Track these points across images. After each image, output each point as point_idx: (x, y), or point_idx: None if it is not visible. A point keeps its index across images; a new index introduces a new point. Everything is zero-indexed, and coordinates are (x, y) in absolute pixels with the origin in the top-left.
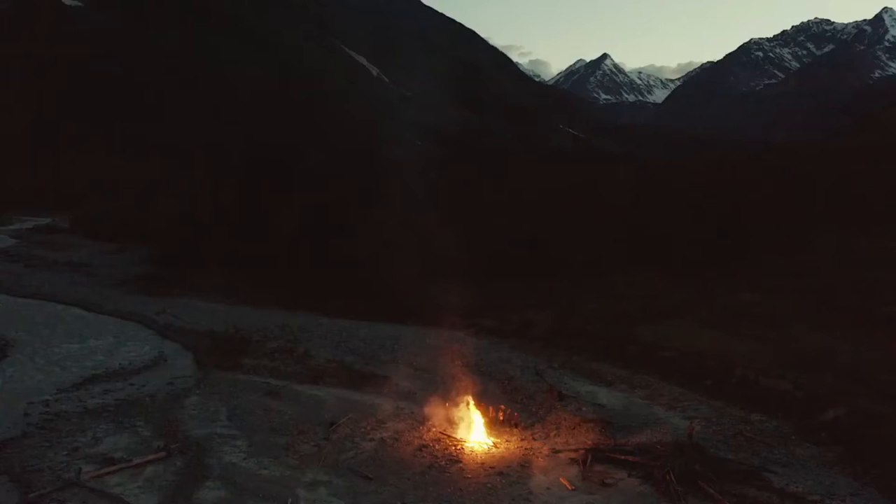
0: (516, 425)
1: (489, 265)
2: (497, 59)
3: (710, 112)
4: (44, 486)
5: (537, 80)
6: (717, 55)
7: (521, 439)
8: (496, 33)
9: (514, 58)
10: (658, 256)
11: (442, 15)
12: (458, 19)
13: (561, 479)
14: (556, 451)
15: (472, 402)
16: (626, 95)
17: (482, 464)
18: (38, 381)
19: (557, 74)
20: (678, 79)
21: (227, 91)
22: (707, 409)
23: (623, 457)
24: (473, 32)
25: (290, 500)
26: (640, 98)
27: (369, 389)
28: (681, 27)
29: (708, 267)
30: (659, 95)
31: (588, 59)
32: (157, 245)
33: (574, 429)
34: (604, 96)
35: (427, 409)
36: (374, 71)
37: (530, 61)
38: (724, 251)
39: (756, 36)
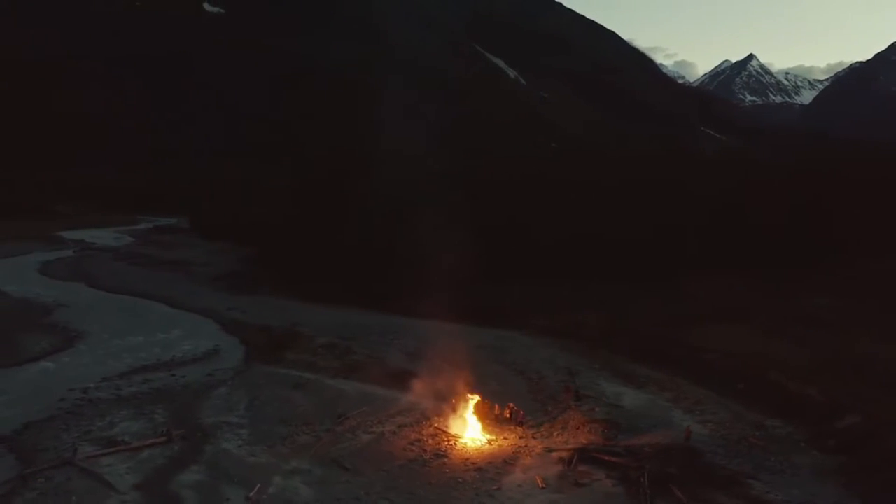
0: (521, 423)
1: (557, 266)
2: (638, 61)
3: (859, 113)
4: (41, 464)
5: (681, 81)
6: (868, 54)
7: (520, 437)
8: (640, 35)
9: (660, 59)
10: (738, 258)
11: (582, 17)
12: (599, 21)
13: (536, 478)
14: (549, 450)
15: (485, 400)
16: (773, 97)
17: (466, 459)
18: (89, 370)
19: (703, 76)
20: (826, 79)
21: (360, 96)
22: (725, 413)
23: (608, 457)
24: (614, 34)
25: (258, 485)
26: (787, 99)
27: (396, 385)
28: (831, 26)
29: (792, 269)
30: (806, 96)
31: (734, 60)
32: (257, 245)
33: (578, 428)
34: (749, 98)
35: (440, 406)
36: (512, 74)
37: (676, 62)
38: (812, 254)
39: None
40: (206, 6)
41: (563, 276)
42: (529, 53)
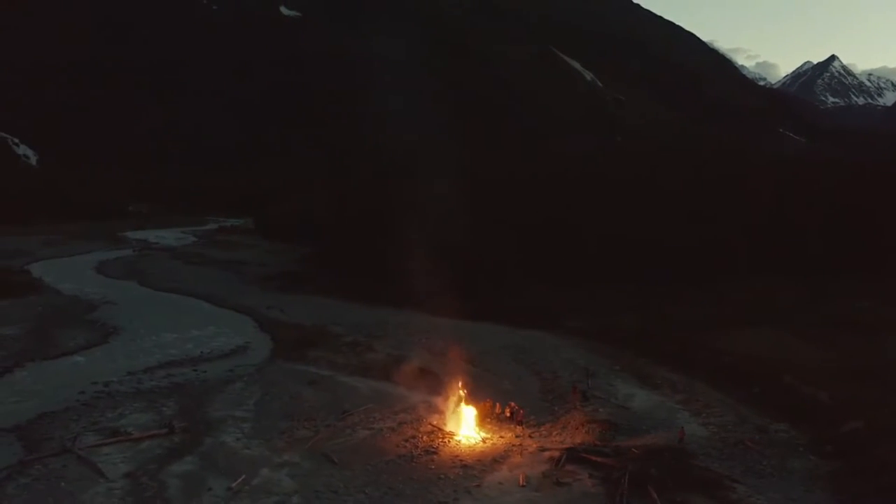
0: (520, 422)
1: (598, 267)
2: (717, 63)
3: None
4: (42, 451)
5: (762, 83)
6: None
7: (517, 436)
8: (723, 36)
9: (741, 61)
10: (784, 261)
11: (660, 18)
12: (680, 23)
13: (520, 476)
14: (543, 450)
15: (487, 399)
16: (855, 98)
17: (455, 456)
18: (117, 365)
19: (784, 77)
20: None
21: (431, 99)
22: (731, 416)
23: (595, 458)
24: (693, 35)
25: (243, 476)
26: (870, 101)
27: (408, 383)
28: None
29: (839, 272)
30: (890, 98)
31: (815, 62)
32: (312, 246)
33: (577, 429)
34: (831, 99)
35: (445, 404)
36: (588, 76)
37: (757, 64)
38: (862, 258)
39: None
40: (284, 10)
41: (603, 278)
42: (607, 56)
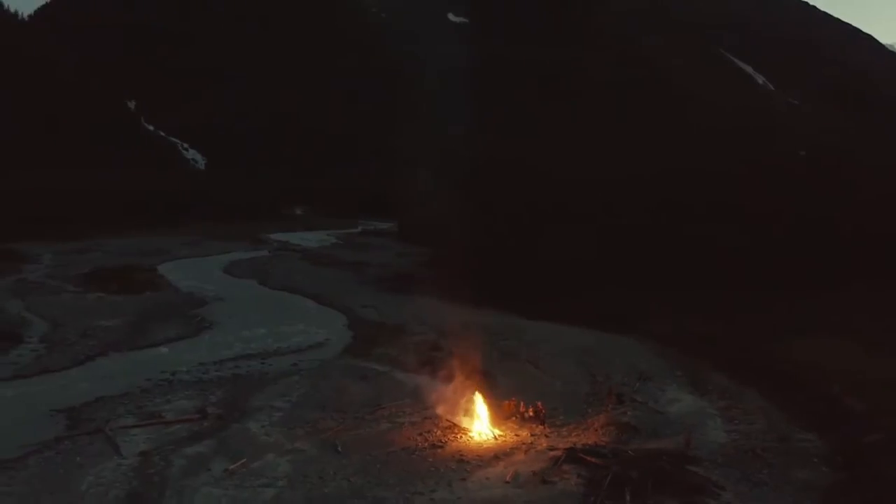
0: (542, 422)
1: (688, 273)
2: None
3: None
4: (78, 430)
5: None
6: None
7: (531, 434)
8: None
9: None
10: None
11: (836, 20)
12: (856, 24)
13: (510, 473)
14: (550, 449)
15: (512, 398)
16: None
17: (458, 451)
18: (194, 356)
19: None
20: None
21: (589, 103)
22: (762, 424)
23: (590, 458)
24: (871, 37)
25: (244, 460)
26: None
27: (454, 382)
28: None
29: None
30: None
31: None
32: (441, 248)
33: (597, 430)
34: None
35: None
36: (760, 79)
37: None
38: None
39: None
40: (451, 16)
41: (688, 283)
42: (780, 59)
